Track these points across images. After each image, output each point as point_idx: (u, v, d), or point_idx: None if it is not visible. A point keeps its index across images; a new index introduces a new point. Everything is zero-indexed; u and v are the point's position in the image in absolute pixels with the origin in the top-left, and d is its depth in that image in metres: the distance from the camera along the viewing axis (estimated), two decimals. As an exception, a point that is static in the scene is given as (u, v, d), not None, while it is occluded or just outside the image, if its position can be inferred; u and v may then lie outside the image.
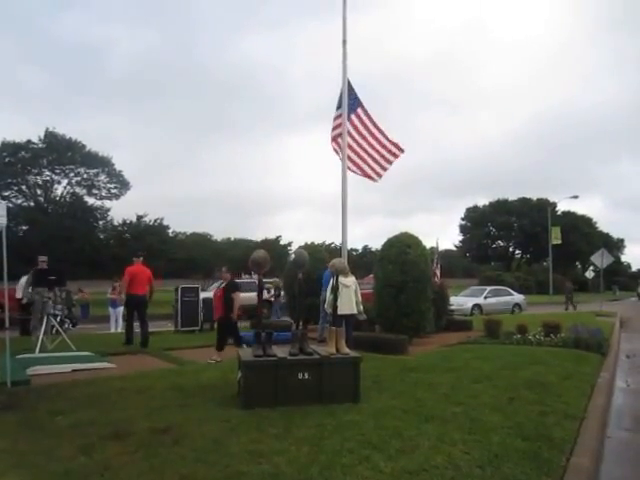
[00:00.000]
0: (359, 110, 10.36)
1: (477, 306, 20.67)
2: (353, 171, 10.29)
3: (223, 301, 8.05)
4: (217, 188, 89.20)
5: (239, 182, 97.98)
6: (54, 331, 12.77)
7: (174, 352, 9.01)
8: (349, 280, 8.26)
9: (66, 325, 13.87)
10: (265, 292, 11.60)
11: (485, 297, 21.35)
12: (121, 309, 14.35)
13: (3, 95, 66.43)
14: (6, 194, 28.43)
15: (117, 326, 14.41)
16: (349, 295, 8.13)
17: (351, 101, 10.27)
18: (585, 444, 4.32)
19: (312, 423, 4.46)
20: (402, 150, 10.39)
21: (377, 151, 10.26)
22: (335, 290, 5.71)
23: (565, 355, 8.34)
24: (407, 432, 4.24)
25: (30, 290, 10.02)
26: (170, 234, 31.35)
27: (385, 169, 10.37)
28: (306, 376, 5.09)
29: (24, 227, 28.25)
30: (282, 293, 16.37)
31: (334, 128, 10.43)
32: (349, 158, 10.05)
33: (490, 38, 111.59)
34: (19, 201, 29.00)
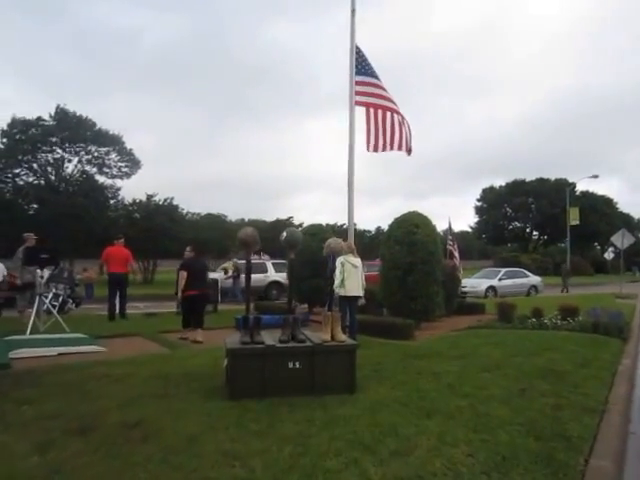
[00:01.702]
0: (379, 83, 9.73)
1: (491, 288, 20.07)
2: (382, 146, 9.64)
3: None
4: (236, 170, 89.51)
5: (258, 165, 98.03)
6: (55, 311, 12.69)
7: (171, 335, 8.67)
8: (357, 261, 7.77)
9: (69, 305, 13.72)
10: (222, 273, 11.20)
11: (500, 279, 20.71)
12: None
13: (33, 78, 66.41)
14: (17, 171, 28.28)
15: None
16: (357, 276, 7.64)
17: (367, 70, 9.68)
18: (606, 443, 3.84)
19: (300, 418, 4.05)
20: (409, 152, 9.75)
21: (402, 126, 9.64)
22: (332, 272, 5.23)
23: (583, 340, 7.79)
24: (404, 430, 3.80)
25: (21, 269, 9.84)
26: (182, 214, 30.95)
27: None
28: (297, 365, 4.66)
29: (35, 205, 28.16)
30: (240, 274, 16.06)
31: (357, 93, 9.70)
32: (376, 131, 9.45)
33: (508, 20, 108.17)
34: (30, 179, 28.87)
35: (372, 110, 9.70)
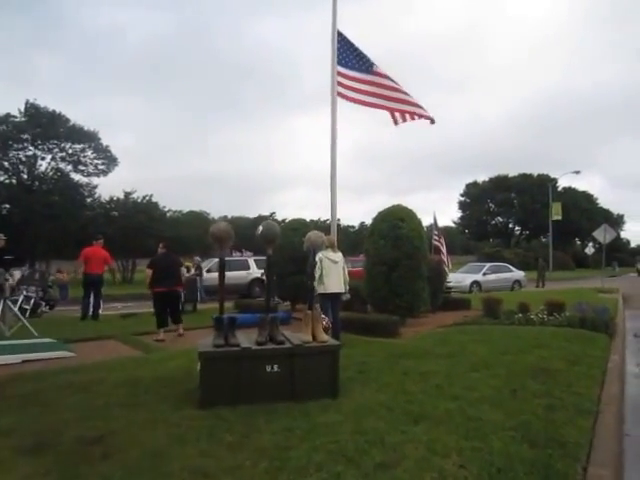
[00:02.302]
0: (375, 70, 9.43)
1: (476, 283, 19.97)
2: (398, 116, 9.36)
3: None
4: (220, 168, 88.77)
5: (242, 162, 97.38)
6: (27, 315, 12.15)
7: (146, 337, 8.27)
8: (337, 256, 7.48)
9: (42, 308, 13.18)
10: (184, 270, 11.00)
11: (484, 274, 20.63)
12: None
13: (15, 78, 64.49)
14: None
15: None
16: (337, 272, 7.34)
17: (357, 59, 9.38)
18: (603, 448, 3.61)
19: (278, 427, 3.73)
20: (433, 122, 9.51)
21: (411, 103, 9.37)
22: (312, 267, 4.92)
23: (571, 336, 7.62)
24: (391, 438, 3.51)
25: None
26: (163, 212, 30.31)
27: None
28: (275, 369, 4.34)
29: (7, 205, 27.23)
30: (204, 272, 15.78)
31: (340, 84, 9.39)
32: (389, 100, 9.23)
33: (492, 19, 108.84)
34: (1, 178, 27.89)
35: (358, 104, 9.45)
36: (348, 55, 9.40)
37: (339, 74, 9.33)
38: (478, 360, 5.96)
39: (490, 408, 4.19)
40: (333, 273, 7.29)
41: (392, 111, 9.35)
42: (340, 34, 9.26)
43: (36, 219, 25.06)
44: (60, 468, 3.05)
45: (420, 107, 9.39)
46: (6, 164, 28.29)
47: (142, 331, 8.82)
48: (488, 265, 21.74)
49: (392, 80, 9.33)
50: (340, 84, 9.48)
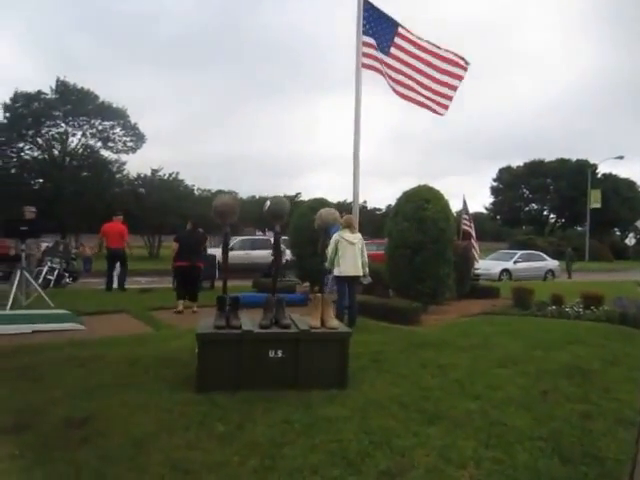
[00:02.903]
0: (400, 31, 8.89)
1: (506, 271, 19.20)
2: (416, 102, 8.97)
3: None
4: (250, 149, 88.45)
5: (272, 143, 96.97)
6: (51, 285, 12.25)
7: (160, 313, 8.10)
8: (355, 236, 7.06)
9: (66, 279, 13.28)
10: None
11: (515, 262, 19.80)
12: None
13: (52, 61, 65.44)
14: (20, 146, 27.78)
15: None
16: (354, 254, 6.94)
17: (383, 25, 8.86)
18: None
19: (276, 418, 3.40)
20: (467, 63, 8.92)
21: (435, 80, 8.89)
22: (323, 248, 4.52)
23: (609, 333, 7.01)
24: (400, 440, 3.12)
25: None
26: (189, 189, 30.33)
27: (450, 98, 8.93)
28: (279, 354, 4.00)
29: (40, 180, 27.74)
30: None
31: (365, 55, 8.95)
32: (404, 87, 8.82)
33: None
34: (35, 154, 28.40)
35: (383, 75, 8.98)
36: (374, 25, 8.84)
37: (365, 44, 8.82)
38: (504, 355, 5.49)
39: (516, 411, 3.74)
40: (349, 255, 6.89)
41: (410, 91, 8.95)
42: (367, 1, 8.69)
43: (66, 194, 25.41)
44: (34, 451, 2.80)
45: (447, 85, 8.93)
46: (39, 140, 28.75)
47: (156, 306, 8.67)
48: (520, 253, 20.87)
49: (419, 47, 8.81)
50: (366, 55, 8.97)
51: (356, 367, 4.58)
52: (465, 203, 11.89)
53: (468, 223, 11.40)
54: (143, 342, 5.66)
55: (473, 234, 11.68)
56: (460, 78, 8.99)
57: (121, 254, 11.40)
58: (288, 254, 18.27)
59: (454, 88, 8.99)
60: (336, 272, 6.90)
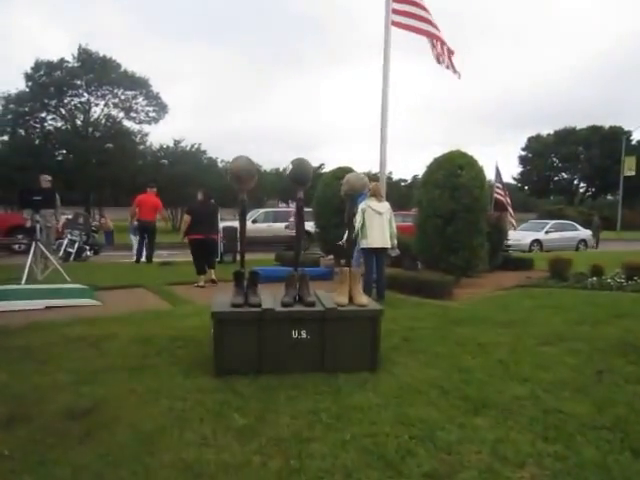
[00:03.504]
0: None
1: (537, 241, 18.43)
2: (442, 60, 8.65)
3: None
4: (275, 121, 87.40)
5: (297, 115, 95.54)
6: (71, 258, 12.14)
7: (179, 288, 7.82)
8: (382, 206, 6.57)
9: (87, 252, 13.17)
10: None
11: (547, 232, 18.99)
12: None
13: (73, 29, 64.86)
14: (43, 116, 27.71)
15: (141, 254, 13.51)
16: (381, 224, 6.47)
17: None
18: None
19: (301, 408, 3.02)
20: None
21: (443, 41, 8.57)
22: (350, 217, 4.06)
23: (660, 305, 6.44)
24: (445, 433, 2.72)
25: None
26: (212, 161, 29.94)
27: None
28: (303, 335, 3.61)
29: (63, 151, 27.70)
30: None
31: (395, 12, 8.41)
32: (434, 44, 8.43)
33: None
34: (58, 124, 28.31)
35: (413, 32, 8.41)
36: None
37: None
38: (549, 331, 5.00)
39: (572, 396, 3.29)
40: (376, 225, 6.43)
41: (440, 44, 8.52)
42: None
43: (89, 166, 25.33)
44: (27, 449, 2.48)
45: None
46: (62, 110, 28.59)
47: (175, 281, 8.40)
48: (551, 223, 20.01)
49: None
50: (396, 11, 8.33)
51: (387, 346, 4.18)
52: (498, 172, 11.20)
53: (502, 192, 10.73)
54: (158, 319, 5.35)
55: (509, 203, 11.00)
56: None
57: (152, 226, 11.49)
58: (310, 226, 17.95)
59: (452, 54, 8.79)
60: (363, 244, 6.46)
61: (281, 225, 18.11)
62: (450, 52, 8.81)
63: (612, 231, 36.04)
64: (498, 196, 11.23)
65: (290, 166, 3.82)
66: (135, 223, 12.45)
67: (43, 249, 8.15)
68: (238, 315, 3.54)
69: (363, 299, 3.80)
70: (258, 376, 3.50)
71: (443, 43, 8.70)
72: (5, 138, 27.28)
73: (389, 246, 6.58)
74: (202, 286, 7.99)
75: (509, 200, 11.18)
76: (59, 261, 9.90)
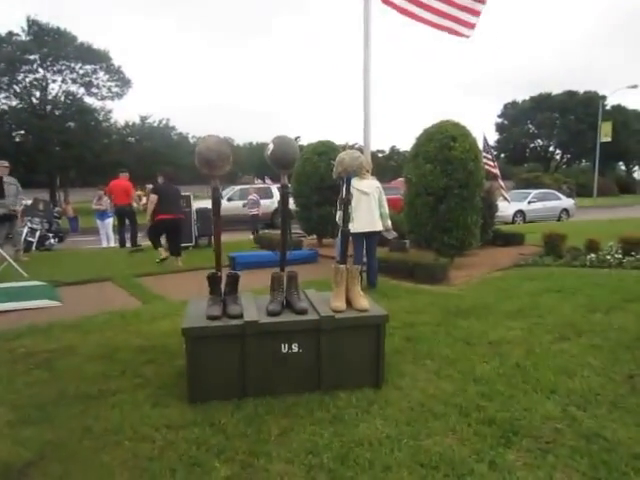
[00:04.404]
0: None
1: (520, 212, 18.16)
2: (442, 28, 7.70)
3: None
4: (245, 93, 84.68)
5: (268, 86, 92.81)
6: (33, 248, 11.24)
7: (149, 280, 7.15)
8: (369, 184, 5.95)
9: (50, 240, 12.27)
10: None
11: (529, 202, 18.72)
12: (110, 221, 12.60)
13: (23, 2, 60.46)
14: (-6, 94, 25.89)
15: (108, 240, 12.70)
16: (369, 205, 5.87)
17: None
18: None
19: (297, 446, 2.47)
20: None
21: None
22: (346, 203, 3.44)
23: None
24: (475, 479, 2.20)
25: None
26: (182, 137, 28.68)
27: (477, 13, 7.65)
28: (294, 349, 3.03)
29: (21, 132, 26.00)
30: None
31: None
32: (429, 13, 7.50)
33: None
34: (13, 103, 26.48)
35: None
36: None
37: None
38: (561, 321, 4.55)
39: (609, 413, 2.82)
40: (363, 207, 5.83)
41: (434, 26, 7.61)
42: None
43: (50, 146, 23.84)
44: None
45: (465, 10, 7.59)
46: (16, 88, 26.72)
47: (146, 271, 7.71)
48: (534, 192, 19.72)
49: None
50: None
51: (389, 349, 3.62)
52: (486, 141, 10.65)
53: (491, 163, 10.21)
54: (125, 323, 4.69)
55: (498, 174, 10.50)
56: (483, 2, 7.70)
57: (128, 211, 11.34)
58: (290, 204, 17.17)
59: (477, 13, 7.71)
60: (350, 227, 5.86)
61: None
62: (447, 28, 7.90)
63: (588, 198, 36.29)
64: (487, 167, 10.72)
65: (271, 146, 3.16)
66: (104, 208, 12.33)
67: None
68: (215, 330, 2.93)
69: (364, 302, 3.22)
70: (242, 402, 2.93)
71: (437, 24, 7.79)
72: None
73: (379, 229, 6.00)
74: (165, 258, 8.17)
75: (498, 171, 10.68)
76: (19, 253, 9.09)
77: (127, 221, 11.43)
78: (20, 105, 26.47)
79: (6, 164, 8.94)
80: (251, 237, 11.98)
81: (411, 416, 2.79)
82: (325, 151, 9.67)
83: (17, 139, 25.62)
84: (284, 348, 3.02)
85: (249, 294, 3.53)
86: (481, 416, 2.78)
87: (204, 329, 2.92)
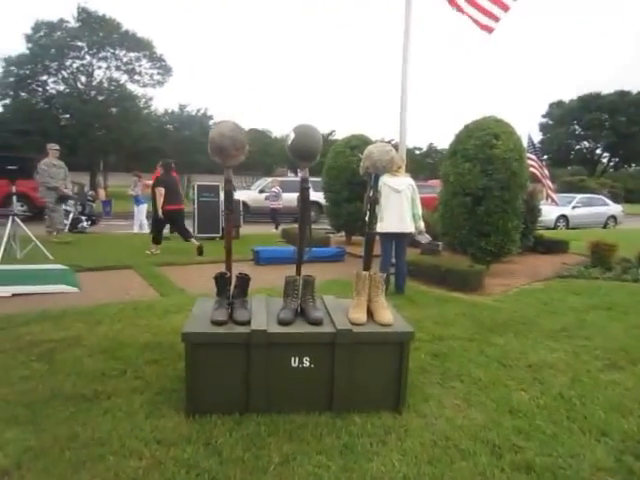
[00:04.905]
0: None
1: (563, 217, 17.24)
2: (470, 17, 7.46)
3: (154, 197, 8.34)
4: (285, 85, 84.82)
5: (309, 77, 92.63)
6: (65, 230, 11.34)
7: (173, 270, 6.97)
8: (401, 182, 5.54)
9: (83, 223, 12.36)
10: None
11: (574, 207, 17.75)
12: (143, 207, 12.59)
13: None
14: (44, 79, 26.48)
15: (141, 226, 12.70)
16: (399, 204, 5.47)
17: None
18: None
19: (296, 479, 2.15)
20: None
21: None
22: (373, 202, 3.07)
23: None
24: None
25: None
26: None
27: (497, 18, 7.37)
28: (306, 363, 2.70)
29: (66, 116, 26.56)
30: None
31: None
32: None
33: None
34: (60, 87, 27.09)
35: None
36: None
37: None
38: (612, 345, 4.05)
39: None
40: (393, 206, 5.43)
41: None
42: None
43: (91, 131, 24.26)
44: None
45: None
46: (64, 73, 27.30)
47: (171, 260, 7.56)
48: (579, 197, 18.67)
49: None
50: None
51: (412, 366, 3.27)
52: (531, 140, 10.00)
53: (536, 164, 9.58)
54: (136, 316, 4.47)
55: (547, 175, 9.85)
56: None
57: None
58: (314, 195, 16.93)
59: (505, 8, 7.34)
60: (378, 228, 5.49)
61: (290, 195, 17.11)
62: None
63: (638, 204, 34.44)
64: (532, 168, 10.09)
65: (292, 135, 2.82)
66: (134, 194, 12.43)
67: (20, 223, 7.29)
68: (218, 337, 2.63)
69: (387, 315, 2.86)
70: (243, 418, 2.62)
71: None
72: (7, 102, 26.20)
73: (410, 230, 5.59)
74: (156, 253, 8.16)
75: (547, 172, 10.01)
76: (56, 234, 9.16)
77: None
78: (67, 90, 27.01)
79: (56, 147, 9.17)
80: (274, 230, 11.99)
81: (434, 453, 2.42)
82: (358, 145, 9.25)
83: (62, 123, 26.15)
84: (294, 362, 2.69)
85: (262, 297, 3.22)
86: (517, 459, 2.38)
87: (206, 335, 2.62)
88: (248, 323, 2.71)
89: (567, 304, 5.33)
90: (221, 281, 2.86)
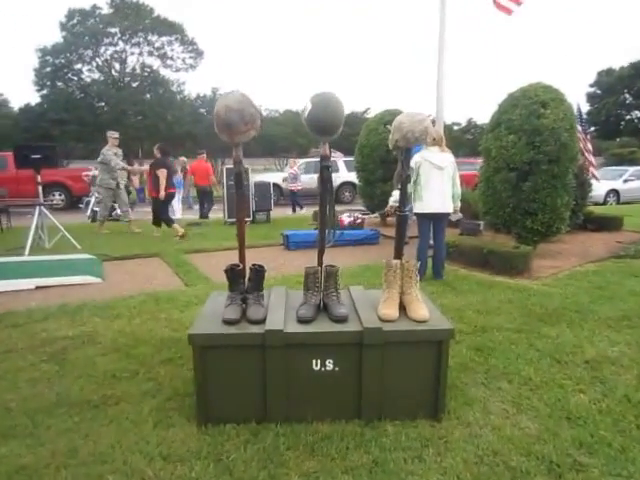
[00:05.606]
0: None
1: (613, 191, 16.14)
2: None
3: (151, 179, 8.52)
4: (321, 65, 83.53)
5: (343, 57, 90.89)
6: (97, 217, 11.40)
7: (198, 257, 6.78)
8: (444, 158, 5.08)
9: (117, 211, 12.41)
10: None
11: (625, 180, 16.57)
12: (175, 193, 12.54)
13: None
14: (79, 67, 26.90)
15: (173, 213, 12.65)
16: (441, 181, 5.02)
17: None
18: None
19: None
20: None
21: None
22: (405, 180, 2.68)
23: None
24: None
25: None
26: (261, 110, 28.69)
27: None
28: (329, 366, 2.38)
29: (101, 104, 26.94)
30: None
31: None
32: None
33: None
34: (95, 75, 27.47)
35: None
36: None
37: None
38: (683, 337, 3.54)
39: None
40: (435, 183, 4.98)
41: None
42: None
43: (125, 118, 24.50)
44: None
45: None
46: (98, 61, 27.65)
47: (198, 248, 7.37)
48: (632, 170, 17.40)
49: None
50: None
51: (452, 364, 2.91)
52: (580, 111, 9.19)
53: (582, 136, 8.81)
54: (157, 308, 4.27)
55: (590, 150, 9.08)
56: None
57: (208, 191, 12.49)
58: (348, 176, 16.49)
59: None
60: (417, 208, 5.06)
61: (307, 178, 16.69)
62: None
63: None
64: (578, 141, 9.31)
65: (308, 106, 2.45)
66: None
67: (47, 213, 7.25)
68: (229, 338, 2.34)
69: (422, 310, 2.49)
70: (261, 428, 2.34)
71: None
72: (45, 92, 26.76)
73: (450, 210, 5.14)
74: (185, 233, 8.14)
75: (590, 146, 9.22)
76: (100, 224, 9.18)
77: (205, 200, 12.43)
78: (102, 78, 27.36)
79: (116, 135, 9.09)
80: (299, 212, 13.04)
81: (480, 472, 2.06)
82: (391, 121, 8.75)
83: (98, 111, 26.55)
84: (316, 365, 2.37)
85: (281, 289, 2.91)
86: (576, 477, 2.00)
87: (215, 336, 2.33)
88: (263, 322, 2.40)
89: (626, 288, 4.78)
90: (233, 274, 2.56)
